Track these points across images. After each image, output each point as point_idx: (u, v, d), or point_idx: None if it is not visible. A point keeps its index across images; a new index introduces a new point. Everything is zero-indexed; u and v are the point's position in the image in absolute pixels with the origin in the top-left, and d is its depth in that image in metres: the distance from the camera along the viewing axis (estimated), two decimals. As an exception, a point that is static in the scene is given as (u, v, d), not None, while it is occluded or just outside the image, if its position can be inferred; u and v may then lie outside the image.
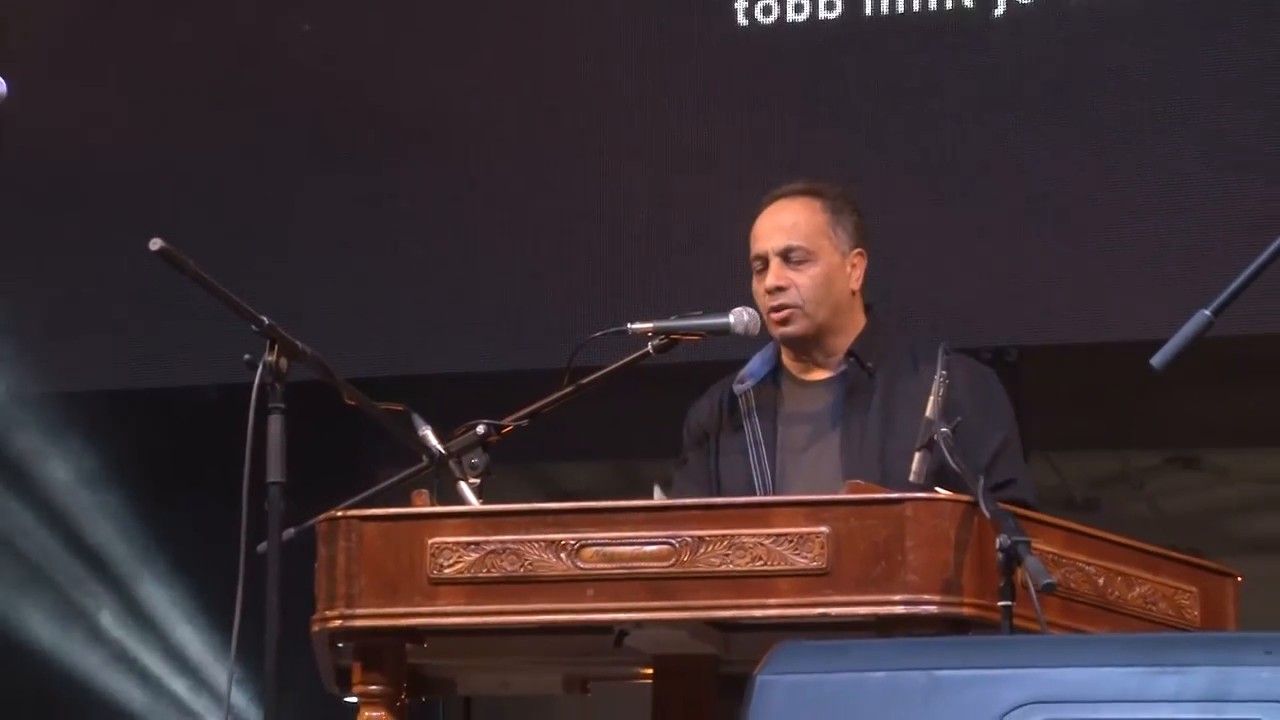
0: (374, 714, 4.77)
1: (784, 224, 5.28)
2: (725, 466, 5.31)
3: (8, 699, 7.80)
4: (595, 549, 4.60)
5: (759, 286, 5.26)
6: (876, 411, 5.20)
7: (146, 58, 7.64)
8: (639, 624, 4.62)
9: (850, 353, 5.25)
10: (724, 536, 4.52)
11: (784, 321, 5.22)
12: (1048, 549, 4.42)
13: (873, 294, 5.35)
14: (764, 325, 5.23)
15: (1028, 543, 4.32)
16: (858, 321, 5.31)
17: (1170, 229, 6.32)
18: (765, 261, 5.24)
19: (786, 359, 5.33)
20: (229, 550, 4.80)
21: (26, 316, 7.38)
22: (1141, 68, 6.71)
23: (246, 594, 4.77)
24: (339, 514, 4.76)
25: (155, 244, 4.99)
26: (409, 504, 4.89)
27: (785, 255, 5.24)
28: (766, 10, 7.05)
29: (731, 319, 5.23)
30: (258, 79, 7.50)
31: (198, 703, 7.92)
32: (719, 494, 5.24)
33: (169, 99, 7.56)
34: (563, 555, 4.60)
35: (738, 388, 5.31)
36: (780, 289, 5.21)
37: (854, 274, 5.27)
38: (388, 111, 7.29)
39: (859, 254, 5.29)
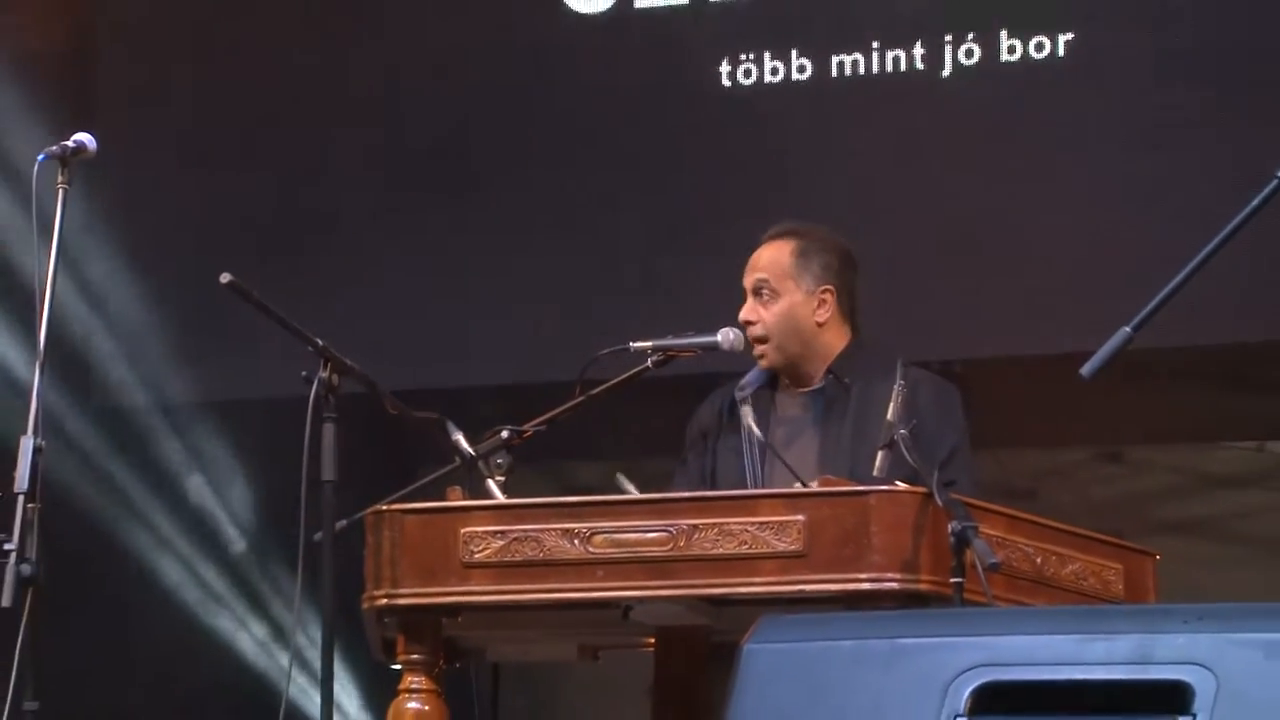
0: (415, 679, 4.78)
1: (759, 263, 5.27)
2: (723, 459, 5.30)
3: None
4: (604, 536, 4.61)
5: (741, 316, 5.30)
6: (850, 419, 5.18)
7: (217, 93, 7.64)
8: (642, 600, 4.63)
9: (830, 370, 5.27)
10: (715, 524, 4.53)
11: (761, 355, 5.24)
12: (992, 532, 4.43)
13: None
14: (749, 343, 5.25)
15: (975, 527, 4.33)
16: (834, 344, 5.26)
17: (1096, 259, 6.33)
18: (746, 295, 5.28)
19: (780, 376, 5.35)
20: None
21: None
22: (1064, 117, 6.73)
23: (305, 577, 4.80)
24: (384, 508, 4.77)
25: (225, 278, 5.02)
26: (444, 499, 4.90)
27: (757, 291, 5.24)
28: (747, 73, 7.07)
29: (719, 338, 5.22)
30: (309, 118, 7.49)
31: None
32: (717, 484, 5.24)
33: (230, 128, 7.56)
34: (576, 542, 4.61)
35: (738, 394, 5.31)
36: (750, 322, 5.22)
37: (820, 310, 5.21)
38: (424, 152, 7.28)
39: (826, 291, 5.23)
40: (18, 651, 5.02)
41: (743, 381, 5.31)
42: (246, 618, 7.86)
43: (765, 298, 5.22)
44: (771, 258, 5.27)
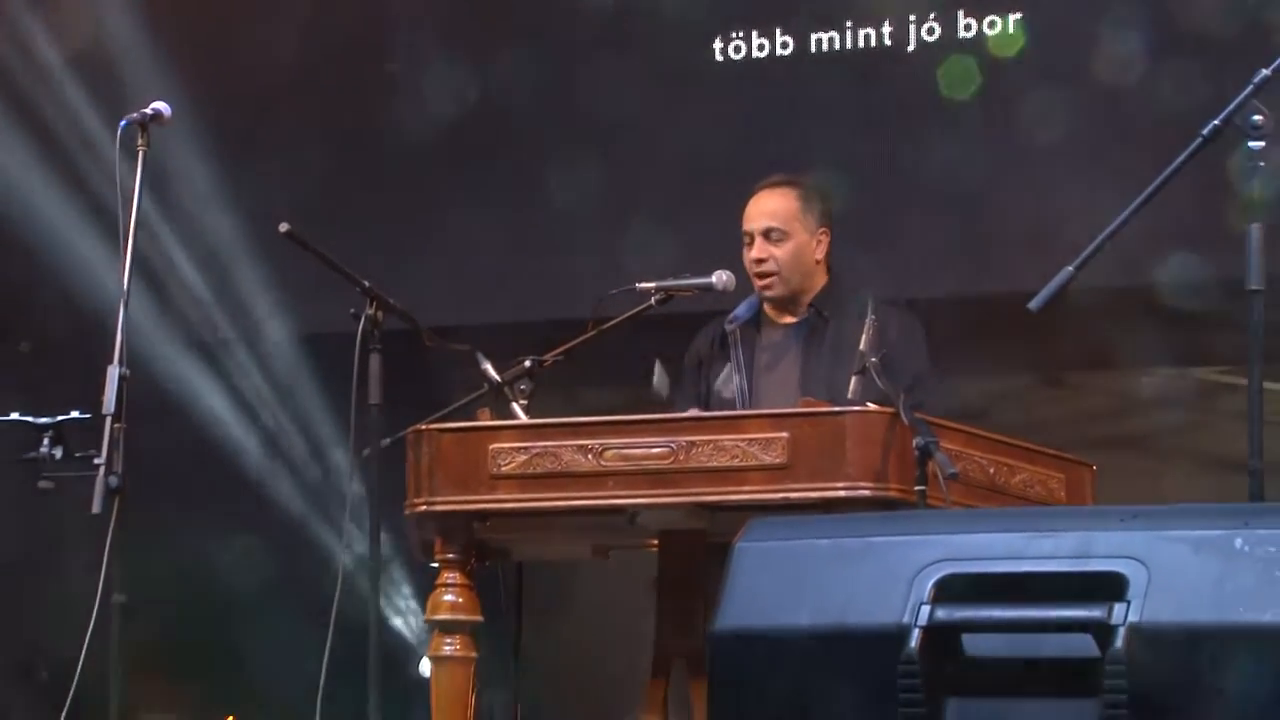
0: (451, 575, 4.80)
1: (766, 209, 5.28)
2: (716, 383, 5.33)
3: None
4: (614, 451, 4.61)
5: (747, 256, 5.27)
6: (828, 348, 5.20)
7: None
8: (647, 507, 4.64)
9: (812, 304, 5.28)
10: (710, 441, 4.54)
11: (767, 286, 5.24)
12: (951, 447, 4.43)
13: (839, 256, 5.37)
14: (739, 283, 5.23)
15: (936, 442, 4.33)
16: (821, 281, 5.31)
17: (1042, 208, 6.31)
18: (752, 238, 5.26)
19: (766, 307, 5.33)
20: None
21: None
22: (1017, 81, 6.72)
23: (356, 488, 4.81)
24: (423, 427, 4.78)
25: (283, 227, 5.01)
26: (474, 419, 4.90)
27: (766, 234, 5.25)
28: (737, 49, 7.05)
29: (714, 279, 5.23)
30: (361, 101, 7.48)
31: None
32: (711, 405, 5.24)
33: (295, 111, 7.55)
34: (589, 456, 4.62)
35: (728, 326, 5.32)
36: (762, 260, 5.23)
37: (819, 248, 5.27)
38: (459, 128, 7.27)
39: (823, 232, 5.28)
40: (106, 551, 5.03)
41: (731, 315, 5.32)
42: (309, 523, 7.88)
43: (775, 239, 5.24)
44: (779, 204, 5.28)
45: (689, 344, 5.46)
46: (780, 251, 5.23)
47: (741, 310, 5.33)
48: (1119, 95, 6.45)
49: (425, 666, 6.58)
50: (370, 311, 4.95)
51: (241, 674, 7.59)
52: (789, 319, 5.31)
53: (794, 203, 5.29)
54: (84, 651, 5.09)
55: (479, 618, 4.84)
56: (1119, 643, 2.61)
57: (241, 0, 7.74)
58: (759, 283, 5.26)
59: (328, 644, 5.27)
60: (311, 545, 7.77)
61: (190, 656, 7.44)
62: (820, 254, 5.28)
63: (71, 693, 5.15)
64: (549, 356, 5.12)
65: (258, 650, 7.53)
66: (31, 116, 7.51)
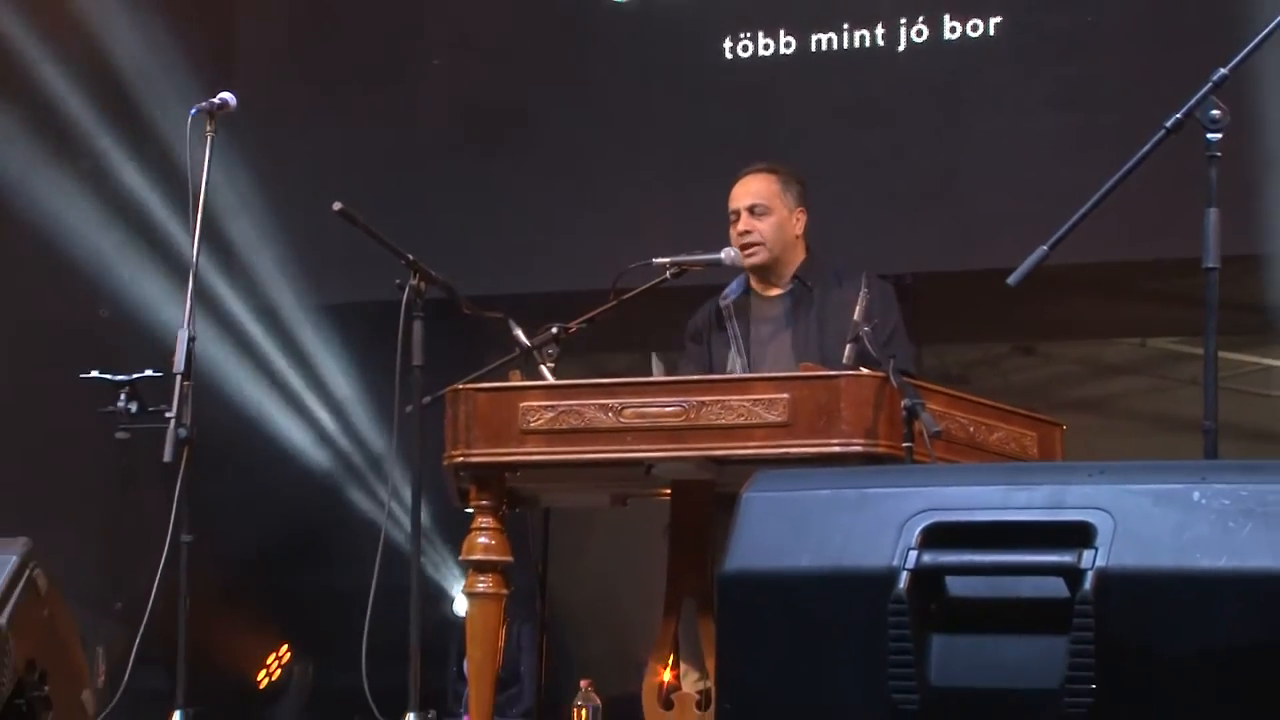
0: (484, 519, 4.79)
1: (750, 189, 5.33)
2: (716, 354, 5.33)
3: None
4: (632, 409, 4.60)
5: (734, 231, 5.31)
6: (815, 316, 5.23)
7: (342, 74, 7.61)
8: (661, 460, 4.62)
9: (796, 276, 5.30)
10: (718, 400, 4.53)
11: (751, 254, 5.26)
12: (935, 408, 4.42)
13: (816, 238, 5.36)
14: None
15: (922, 404, 4.32)
16: (800, 255, 5.34)
17: (1019, 193, 6.29)
18: (738, 215, 5.30)
19: (753, 282, 5.35)
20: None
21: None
22: (995, 82, 6.70)
23: (399, 440, 4.81)
24: (460, 387, 4.76)
25: (336, 206, 5.00)
26: (507, 380, 4.90)
27: (751, 210, 5.30)
28: (745, 48, 7.03)
29: (723, 255, 5.26)
30: (402, 82, 7.47)
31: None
32: (714, 370, 5.24)
33: (343, 85, 7.55)
34: (610, 414, 4.61)
35: (722, 302, 5.35)
36: (748, 232, 5.26)
37: (797, 225, 5.31)
38: (494, 118, 7.26)
39: (800, 211, 5.32)
40: (176, 496, 5.04)
41: (724, 293, 5.36)
42: (356, 471, 7.89)
43: (759, 213, 5.29)
44: (762, 185, 5.35)
45: (689, 318, 5.47)
46: (763, 225, 5.29)
47: (733, 288, 5.37)
48: (1092, 88, 6.42)
49: (459, 606, 6.60)
50: (414, 282, 4.94)
51: (297, 608, 7.62)
52: (775, 290, 5.34)
53: (774, 184, 5.34)
54: (156, 584, 5.10)
55: (509, 558, 4.84)
56: (1087, 585, 2.60)
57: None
58: (745, 253, 5.27)
59: (373, 582, 5.28)
60: (362, 493, 7.79)
61: (251, 592, 7.46)
62: (799, 230, 5.33)
63: (145, 620, 5.17)
64: (574, 324, 5.11)
65: (311, 587, 7.56)
66: (110, 108, 7.51)
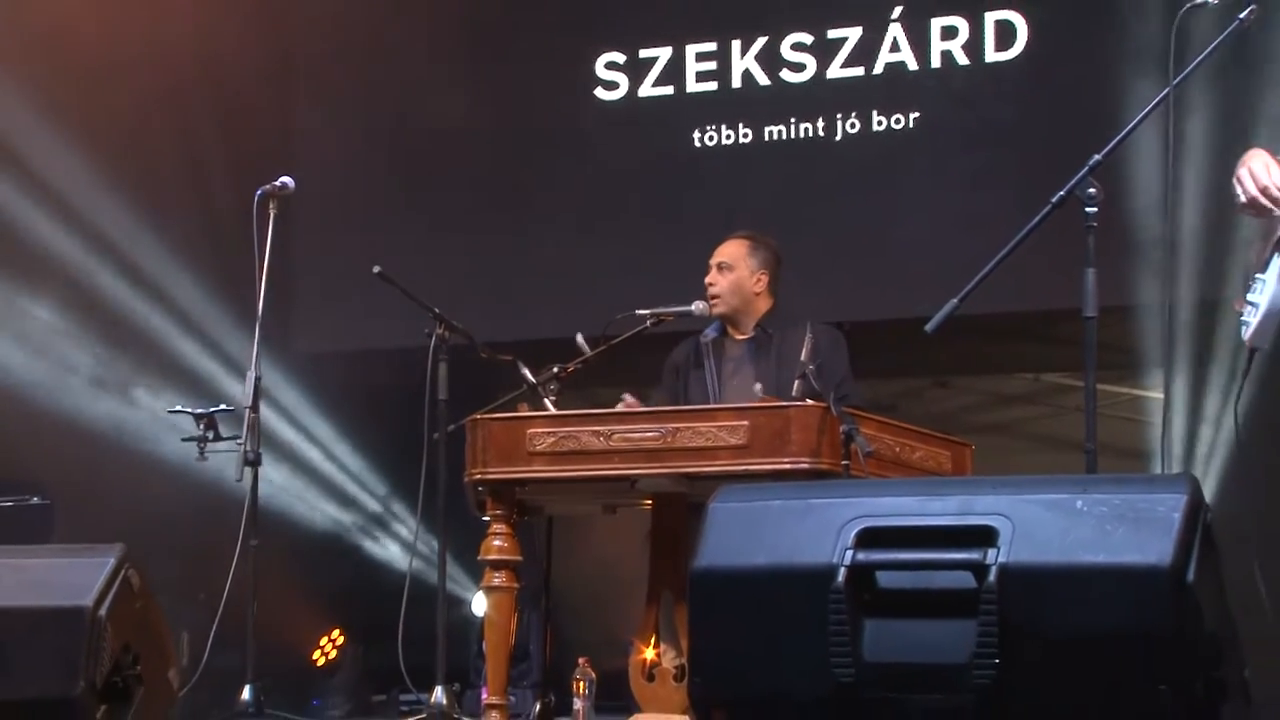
0: (498, 526, 4.78)
1: (723, 250, 5.37)
2: (694, 385, 5.32)
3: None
4: (619, 435, 4.61)
5: (706, 281, 5.33)
6: (774, 357, 5.22)
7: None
8: (643, 476, 4.62)
9: (759, 324, 5.29)
10: (689, 427, 4.54)
11: (713, 303, 5.30)
12: (868, 431, 4.42)
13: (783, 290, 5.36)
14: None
15: (857, 429, 4.32)
16: (762, 308, 5.34)
17: (936, 256, 6.28)
18: (710, 269, 5.33)
19: (728, 328, 5.37)
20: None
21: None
22: (916, 166, 6.69)
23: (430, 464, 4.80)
24: (478, 417, 4.77)
25: (375, 269, 5.01)
26: (516, 410, 4.90)
27: (719, 266, 5.32)
28: (710, 138, 7.02)
29: (693, 308, 5.29)
30: (422, 158, 7.44)
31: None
32: (687, 402, 5.23)
33: (386, 183, 7.52)
34: (601, 439, 4.61)
35: (702, 340, 5.36)
36: (712, 284, 5.30)
37: (758, 284, 5.31)
38: (507, 194, 7.25)
39: (764, 272, 5.32)
40: (245, 507, 5.03)
41: (705, 332, 5.38)
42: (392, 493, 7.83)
43: (723, 270, 5.30)
44: (732, 249, 5.37)
45: (666, 355, 5.47)
46: (724, 280, 5.30)
47: (711, 330, 5.39)
48: (992, 171, 6.44)
49: (476, 607, 6.56)
50: (439, 331, 4.95)
51: (346, 600, 7.60)
52: (742, 336, 5.35)
53: (743, 248, 5.35)
54: (229, 580, 5.08)
55: (519, 558, 4.83)
56: (991, 578, 2.60)
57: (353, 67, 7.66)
58: (710, 301, 5.30)
59: (406, 581, 5.27)
60: (401, 506, 7.75)
61: (309, 587, 7.43)
62: (759, 288, 5.31)
63: (220, 609, 5.16)
64: (571, 364, 5.12)
65: (356, 584, 7.54)
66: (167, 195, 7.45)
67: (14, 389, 6.86)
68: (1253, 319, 3.57)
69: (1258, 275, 3.59)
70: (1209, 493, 2.86)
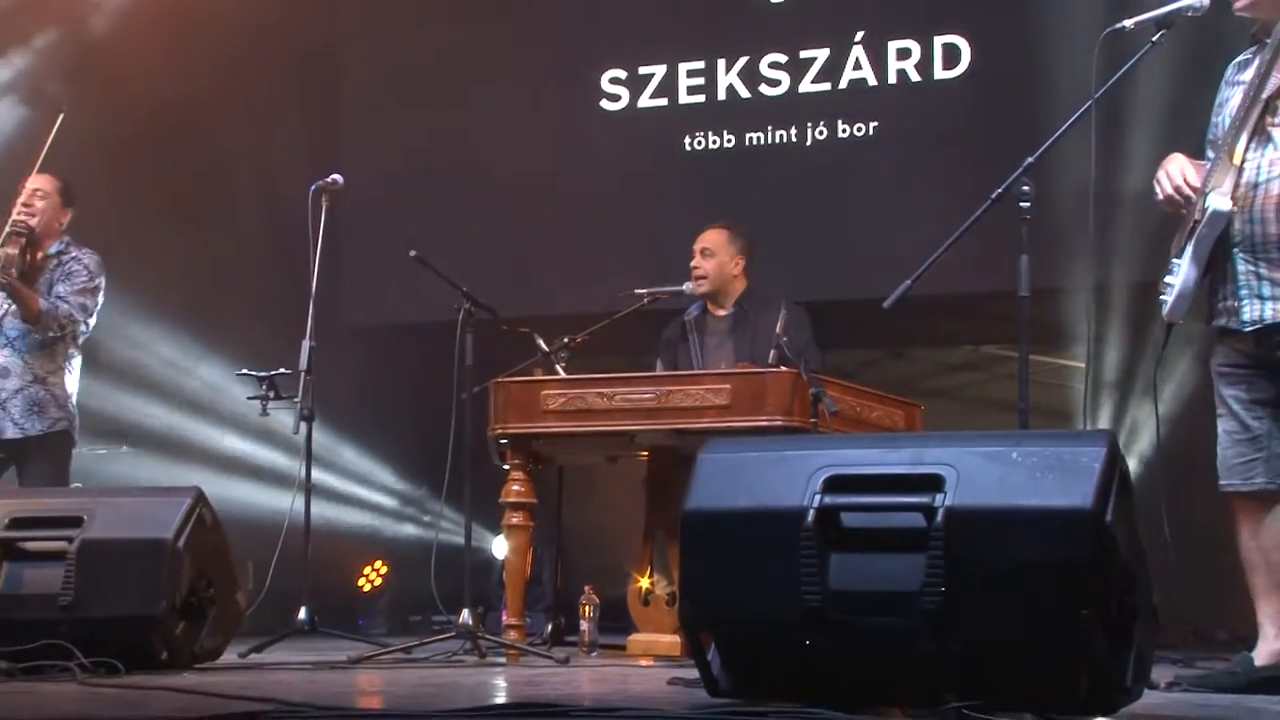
0: (517, 474, 4.79)
1: (706, 238, 5.40)
2: (682, 356, 5.35)
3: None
4: (620, 395, 4.61)
5: (691, 265, 5.32)
6: (750, 331, 5.23)
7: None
8: (640, 431, 4.64)
9: (738, 302, 5.29)
10: (680, 389, 4.55)
11: (698, 284, 5.30)
12: (833, 394, 4.43)
13: (753, 274, 5.33)
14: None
15: (824, 392, 4.33)
16: (741, 286, 5.35)
17: (894, 244, 6.25)
18: (694, 254, 5.33)
19: (708, 305, 5.37)
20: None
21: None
22: (876, 170, 6.65)
23: (459, 421, 4.78)
24: (499, 380, 4.78)
25: (412, 254, 4.97)
26: (532, 375, 4.89)
27: (702, 252, 5.34)
28: (699, 143, 6.99)
29: (685, 287, 5.31)
30: (454, 160, 7.40)
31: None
32: (679, 369, 5.23)
33: (424, 179, 7.47)
34: (604, 399, 4.61)
35: (686, 318, 5.37)
36: (698, 267, 5.30)
37: (736, 266, 5.36)
38: (524, 190, 7.20)
39: (740, 257, 5.36)
40: (303, 455, 5.01)
41: (688, 311, 5.42)
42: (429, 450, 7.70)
43: (707, 255, 5.31)
44: (714, 236, 5.39)
45: (660, 331, 5.48)
46: (708, 264, 5.31)
47: (694, 309, 5.41)
48: (941, 172, 6.40)
49: (496, 550, 6.56)
50: (467, 306, 4.91)
51: (386, 538, 7.61)
52: (722, 312, 5.36)
53: (723, 236, 5.37)
54: (288, 515, 5.06)
55: (534, 500, 4.84)
56: (939, 519, 2.60)
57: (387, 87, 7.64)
58: (695, 282, 5.31)
59: (436, 536, 5.26)
60: (432, 466, 7.69)
61: (354, 522, 7.42)
62: (737, 271, 5.34)
63: (280, 541, 5.15)
64: (579, 336, 5.12)
65: (392, 540, 7.55)
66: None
67: (111, 362, 6.85)
68: (1169, 297, 3.60)
69: (1174, 260, 3.64)
70: (1138, 447, 2.86)
